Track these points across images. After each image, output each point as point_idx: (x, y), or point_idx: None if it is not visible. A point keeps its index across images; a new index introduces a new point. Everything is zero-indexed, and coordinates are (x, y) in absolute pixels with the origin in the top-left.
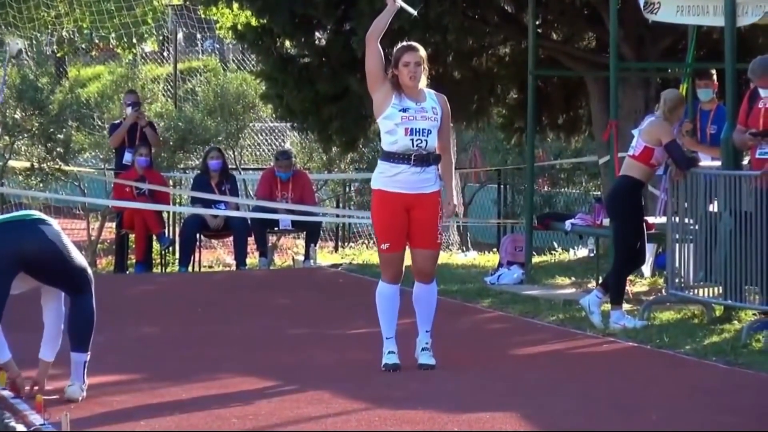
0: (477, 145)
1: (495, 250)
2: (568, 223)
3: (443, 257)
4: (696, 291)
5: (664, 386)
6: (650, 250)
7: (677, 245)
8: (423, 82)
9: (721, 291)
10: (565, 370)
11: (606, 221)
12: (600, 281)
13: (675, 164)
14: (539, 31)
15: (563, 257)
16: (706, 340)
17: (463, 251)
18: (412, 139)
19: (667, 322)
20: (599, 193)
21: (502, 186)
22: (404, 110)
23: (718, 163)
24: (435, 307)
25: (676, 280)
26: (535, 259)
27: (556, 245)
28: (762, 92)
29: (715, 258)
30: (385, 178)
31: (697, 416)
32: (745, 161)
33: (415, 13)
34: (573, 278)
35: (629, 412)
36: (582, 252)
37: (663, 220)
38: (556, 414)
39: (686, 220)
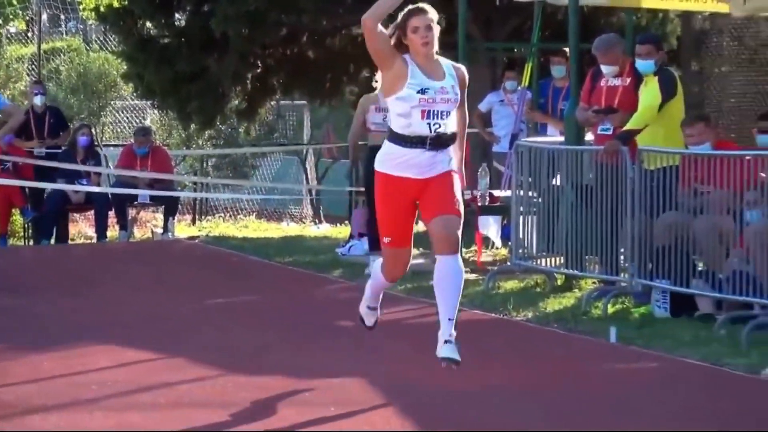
0: (331, 122)
1: (347, 222)
2: None
3: (296, 229)
4: (539, 261)
5: (506, 353)
6: (496, 222)
7: (521, 218)
8: (436, 47)
9: (562, 261)
10: (411, 337)
11: None
12: None
13: None
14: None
15: None
16: (548, 307)
17: (315, 224)
18: (429, 123)
19: (511, 290)
20: None
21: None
22: (423, 91)
23: (561, 138)
24: (461, 291)
25: (520, 251)
26: None
27: None
28: (605, 70)
29: (558, 229)
30: (393, 161)
31: (539, 381)
32: (588, 137)
33: None
34: (421, 249)
35: (470, 379)
36: None
37: (508, 193)
38: (394, 376)
39: (530, 194)
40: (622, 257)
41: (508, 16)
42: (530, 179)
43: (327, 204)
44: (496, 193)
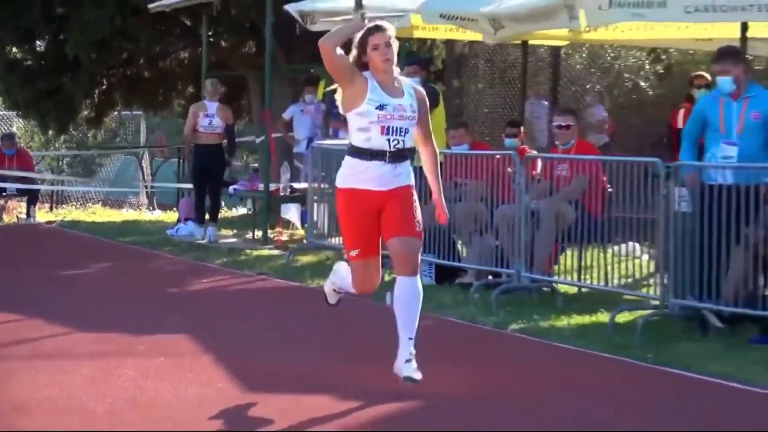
0: (162, 129)
1: (175, 209)
2: (231, 188)
3: (134, 215)
4: (330, 239)
5: (301, 313)
6: (296, 208)
7: (315, 205)
8: (397, 70)
9: None
10: (228, 300)
11: (261, 186)
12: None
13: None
14: (211, 40)
15: (227, 214)
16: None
17: (150, 210)
18: (389, 139)
19: (307, 263)
20: (257, 165)
21: (180, 160)
22: (381, 107)
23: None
24: (419, 311)
25: (315, 231)
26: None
27: (223, 204)
28: None
29: None
30: (354, 175)
31: (322, 330)
32: None
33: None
34: (235, 230)
35: (278, 330)
36: (242, 210)
37: (305, 185)
38: (220, 332)
39: (323, 186)
40: None
41: (307, 42)
42: (323, 174)
43: (159, 195)
44: (296, 185)
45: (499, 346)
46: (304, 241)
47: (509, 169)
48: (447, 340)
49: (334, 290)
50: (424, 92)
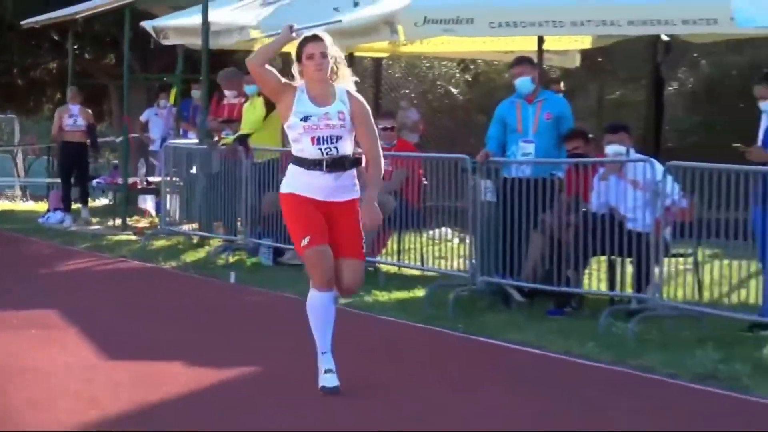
0: (34, 131)
1: (45, 200)
2: (95, 182)
3: (10, 205)
4: (181, 226)
5: (155, 290)
6: (152, 199)
7: (168, 196)
8: (346, 77)
9: (197, 226)
10: (92, 279)
11: (120, 180)
12: None
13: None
14: (77, 52)
15: (91, 205)
16: (188, 259)
17: (23, 201)
18: (321, 149)
19: (161, 247)
20: (117, 161)
21: (49, 158)
22: (305, 119)
23: (195, 140)
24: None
25: (167, 219)
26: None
27: None
28: (227, 93)
29: (193, 204)
30: (297, 182)
31: (187, 305)
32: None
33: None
34: (98, 219)
35: (136, 305)
36: (104, 201)
37: (159, 179)
38: (85, 307)
39: (174, 179)
40: (239, 223)
41: (161, 55)
42: (174, 169)
43: (31, 188)
44: (152, 179)
45: None
46: (158, 228)
47: None
48: (283, 315)
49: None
50: (362, 99)
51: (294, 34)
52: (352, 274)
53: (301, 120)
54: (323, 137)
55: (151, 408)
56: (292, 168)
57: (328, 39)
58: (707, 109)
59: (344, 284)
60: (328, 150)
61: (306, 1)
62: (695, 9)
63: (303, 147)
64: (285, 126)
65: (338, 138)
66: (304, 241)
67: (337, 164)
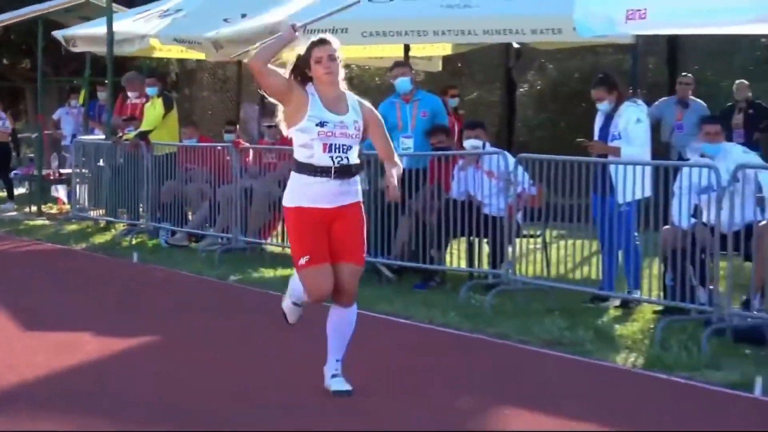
0: None
1: None
2: (13, 173)
3: None
4: (90, 212)
5: (68, 268)
6: (64, 188)
7: (78, 185)
8: (344, 85)
9: (104, 212)
10: (10, 259)
11: (36, 171)
12: None
13: None
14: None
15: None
16: (96, 241)
17: None
18: (332, 156)
19: (72, 231)
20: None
21: None
22: (322, 124)
23: (102, 136)
24: (352, 334)
25: (77, 206)
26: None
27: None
28: (129, 93)
29: (101, 192)
30: (301, 191)
31: (82, 285)
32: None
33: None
34: (15, 206)
35: (51, 282)
36: (21, 190)
37: (70, 170)
38: (3, 284)
39: (83, 170)
40: (141, 209)
41: (71, 60)
42: (84, 160)
43: None
44: (63, 170)
45: (221, 294)
46: (70, 214)
47: (228, 158)
48: (178, 289)
49: (294, 303)
50: (371, 107)
51: (297, 33)
52: (349, 278)
53: (317, 125)
54: (336, 145)
55: (66, 372)
56: (295, 178)
57: (335, 41)
58: (553, 108)
59: (344, 288)
60: (339, 159)
61: (198, 13)
62: (542, 20)
63: (313, 153)
64: (294, 129)
65: (349, 148)
66: (303, 260)
67: (345, 172)
